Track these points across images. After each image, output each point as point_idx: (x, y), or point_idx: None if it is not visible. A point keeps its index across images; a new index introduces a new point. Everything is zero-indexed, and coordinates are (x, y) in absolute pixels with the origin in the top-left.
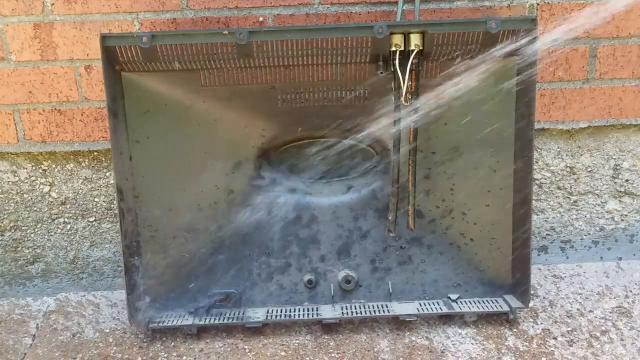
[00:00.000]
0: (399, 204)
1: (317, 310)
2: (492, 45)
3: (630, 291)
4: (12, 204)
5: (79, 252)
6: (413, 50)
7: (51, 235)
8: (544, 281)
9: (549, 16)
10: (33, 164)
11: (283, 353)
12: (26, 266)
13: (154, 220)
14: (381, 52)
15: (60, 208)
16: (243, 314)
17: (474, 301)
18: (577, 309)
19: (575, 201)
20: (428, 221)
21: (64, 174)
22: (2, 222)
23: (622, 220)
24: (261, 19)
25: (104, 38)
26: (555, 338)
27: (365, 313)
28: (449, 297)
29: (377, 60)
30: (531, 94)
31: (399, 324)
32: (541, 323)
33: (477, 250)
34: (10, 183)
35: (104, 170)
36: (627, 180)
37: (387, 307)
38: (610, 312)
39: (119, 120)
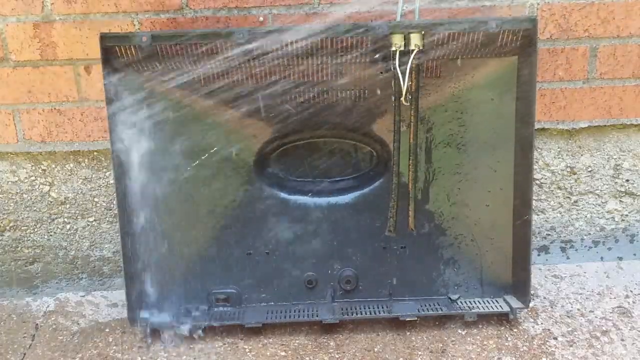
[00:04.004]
0: (399, 204)
1: (317, 311)
2: (492, 45)
3: (631, 291)
4: (11, 204)
5: (79, 252)
6: (413, 50)
7: (51, 235)
8: (544, 281)
9: (549, 16)
10: (33, 163)
11: (283, 353)
12: (26, 266)
13: (154, 219)
14: (381, 52)
15: (59, 208)
16: (243, 314)
17: (474, 301)
18: (578, 309)
19: (575, 201)
20: (428, 221)
21: (64, 173)
22: (1, 222)
23: (622, 220)
24: (261, 18)
25: (103, 38)
26: (555, 338)
27: (365, 313)
28: (449, 297)
29: (377, 60)
30: (531, 93)
31: (399, 324)
32: (541, 323)
33: (477, 250)
34: (9, 183)
35: (104, 170)
36: (627, 180)
37: (387, 307)
38: (611, 312)
39: (119, 120)
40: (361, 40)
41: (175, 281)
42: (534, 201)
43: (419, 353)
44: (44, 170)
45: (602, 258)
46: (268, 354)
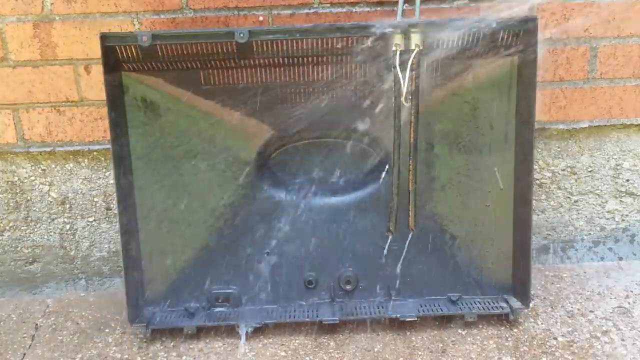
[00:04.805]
0: (399, 204)
1: (317, 311)
2: (492, 44)
3: (631, 291)
4: (11, 204)
5: (79, 252)
6: (413, 50)
7: (50, 235)
8: (544, 281)
9: (549, 15)
10: (32, 163)
11: (283, 353)
12: (25, 266)
13: (153, 219)
14: (381, 52)
15: (59, 208)
16: (243, 314)
17: (474, 301)
18: (578, 309)
19: (575, 201)
20: (428, 221)
21: (64, 173)
22: (1, 222)
23: (622, 220)
24: (261, 18)
25: (103, 37)
26: (555, 338)
27: (365, 314)
28: (450, 298)
29: (377, 60)
30: (531, 93)
31: (399, 324)
32: (542, 323)
33: (477, 250)
34: (9, 183)
35: (104, 170)
36: (627, 180)
37: (387, 307)
38: (611, 313)
39: (119, 120)
40: (361, 40)
41: (175, 281)
42: (534, 201)
43: (419, 353)
44: (44, 170)
45: (602, 258)
46: (268, 354)
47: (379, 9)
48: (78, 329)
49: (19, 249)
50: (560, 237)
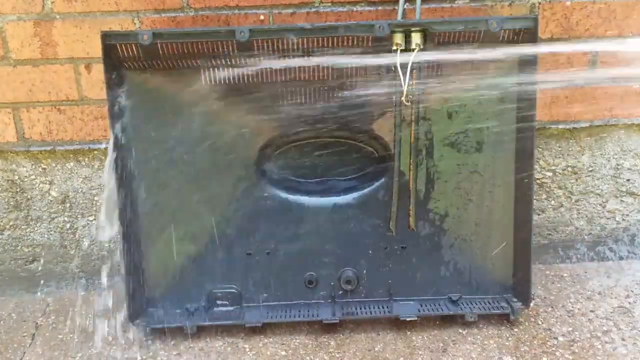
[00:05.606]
0: (399, 204)
1: (317, 310)
2: (493, 44)
3: (632, 291)
4: (11, 203)
5: (79, 251)
6: (414, 50)
7: (50, 234)
8: (545, 281)
9: (550, 15)
10: (33, 162)
11: (283, 352)
12: (26, 265)
13: (154, 219)
14: (382, 51)
15: (59, 207)
16: (243, 313)
17: (474, 301)
18: (578, 309)
19: (576, 201)
20: (428, 221)
21: (64, 172)
22: (1, 221)
23: (623, 220)
24: (262, 17)
25: (104, 36)
26: (556, 338)
27: (366, 313)
28: (450, 297)
29: (378, 59)
30: (532, 93)
31: (400, 323)
32: (542, 323)
33: (477, 250)
34: (9, 182)
35: (104, 169)
36: (628, 180)
37: (387, 307)
38: (612, 312)
39: (119, 119)
40: (362, 39)
41: (175, 280)
42: (534, 201)
43: (420, 353)
44: (44, 169)
45: (602, 258)
46: (268, 353)
47: (379, 8)
48: (78, 328)
49: (19, 247)
50: (560, 237)
